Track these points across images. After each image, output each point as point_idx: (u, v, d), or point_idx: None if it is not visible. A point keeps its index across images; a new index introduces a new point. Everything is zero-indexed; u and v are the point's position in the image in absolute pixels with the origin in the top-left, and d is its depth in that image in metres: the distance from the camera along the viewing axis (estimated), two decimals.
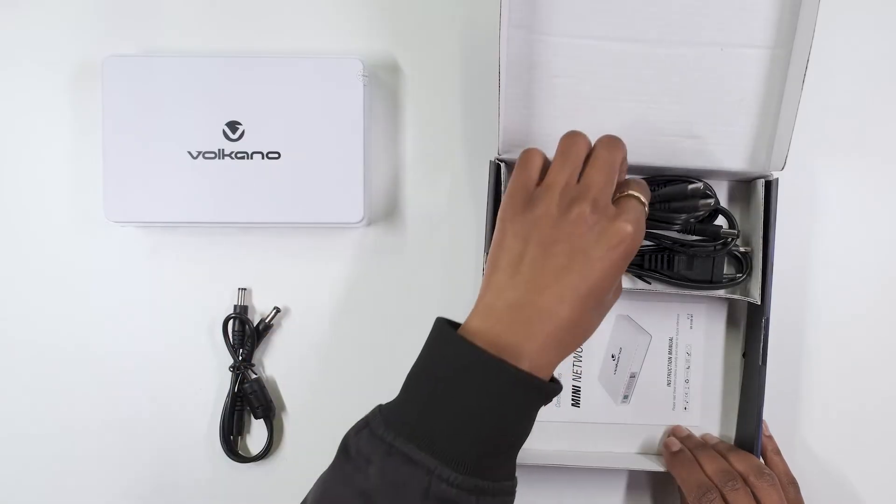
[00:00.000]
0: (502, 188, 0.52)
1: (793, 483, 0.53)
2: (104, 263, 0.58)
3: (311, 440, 0.59)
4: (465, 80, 0.58)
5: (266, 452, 0.58)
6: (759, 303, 0.53)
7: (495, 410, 0.35)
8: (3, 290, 0.59)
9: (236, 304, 0.58)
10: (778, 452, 0.55)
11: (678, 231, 0.54)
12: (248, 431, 0.59)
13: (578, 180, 0.40)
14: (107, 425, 0.59)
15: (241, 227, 0.58)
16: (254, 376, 0.58)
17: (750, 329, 0.56)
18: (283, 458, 0.59)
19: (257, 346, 0.58)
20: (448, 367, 0.36)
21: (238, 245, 0.58)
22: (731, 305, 0.57)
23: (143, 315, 0.58)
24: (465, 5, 0.58)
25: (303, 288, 0.58)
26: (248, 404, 0.57)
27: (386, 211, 0.59)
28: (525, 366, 0.36)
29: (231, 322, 0.57)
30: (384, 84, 0.59)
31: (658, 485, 0.58)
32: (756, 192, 0.54)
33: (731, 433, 0.57)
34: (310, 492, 0.38)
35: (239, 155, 0.54)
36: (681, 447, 0.54)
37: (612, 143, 0.41)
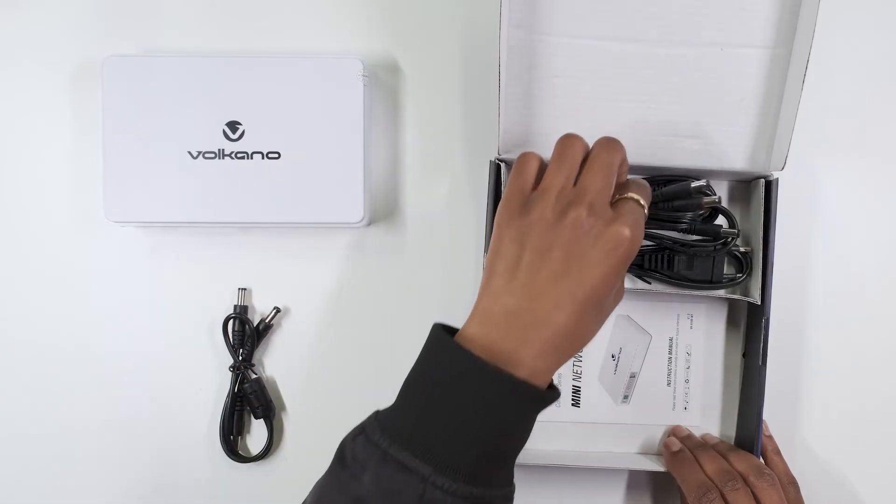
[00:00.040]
0: (502, 188, 0.52)
1: (793, 483, 0.53)
2: (104, 263, 0.58)
3: (311, 440, 0.59)
4: (465, 80, 0.58)
5: (266, 452, 0.58)
6: (759, 303, 0.53)
7: (491, 418, 0.35)
8: (3, 290, 0.59)
9: (236, 304, 0.58)
10: (778, 452, 0.55)
11: (684, 230, 0.54)
12: (248, 431, 0.59)
13: (576, 183, 0.39)
14: (107, 425, 0.59)
15: (241, 227, 0.58)
16: (254, 376, 0.58)
17: (750, 329, 0.56)
18: (283, 458, 0.59)
19: (257, 346, 0.58)
20: (443, 373, 0.36)
21: (238, 245, 0.58)
22: (731, 305, 0.57)
23: (143, 315, 0.58)
24: (465, 5, 0.58)
25: (303, 288, 0.58)
26: (248, 404, 0.57)
27: (386, 211, 0.59)
28: (522, 373, 0.36)
29: (231, 322, 0.57)
30: (384, 84, 0.59)
31: (658, 485, 0.58)
32: (756, 192, 0.54)
33: (731, 433, 0.57)
34: (307, 497, 0.38)
35: (239, 155, 0.54)
36: (681, 447, 0.54)
37: (610, 144, 0.41)
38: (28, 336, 0.59)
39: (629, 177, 0.43)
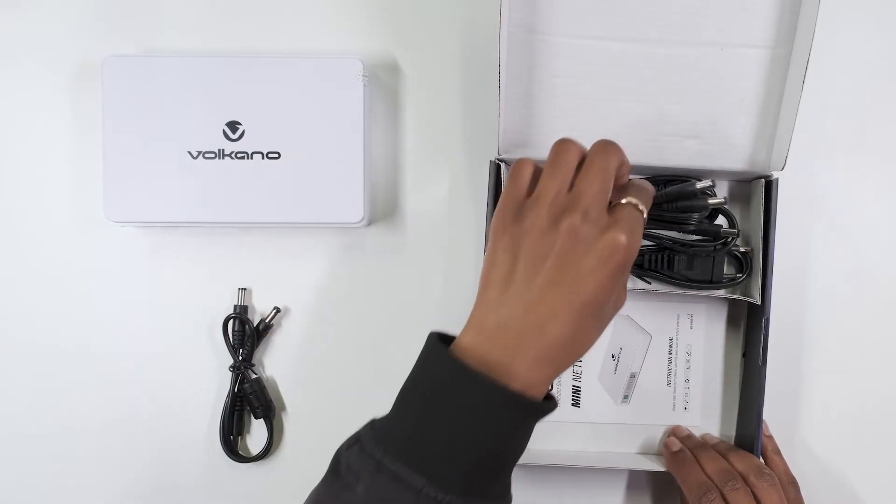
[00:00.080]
0: (502, 188, 0.52)
1: (793, 483, 0.53)
2: (104, 263, 0.58)
3: (311, 440, 0.59)
4: (465, 80, 0.58)
5: (266, 452, 0.58)
6: (759, 303, 0.53)
7: (485, 430, 0.35)
8: (3, 290, 0.59)
9: (236, 304, 0.58)
10: (778, 452, 0.55)
11: (691, 232, 0.54)
12: (248, 431, 0.59)
13: (572, 189, 0.38)
14: (107, 425, 0.59)
15: (241, 227, 0.58)
16: (254, 376, 0.58)
17: (750, 329, 0.56)
18: (283, 458, 0.59)
19: (257, 346, 0.58)
20: (437, 384, 0.36)
21: (238, 245, 0.58)
22: (731, 305, 0.57)
23: (143, 315, 0.58)
24: (465, 5, 0.58)
25: (303, 288, 0.58)
26: (248, 404, 0.57)
27: (386, 211, 0.59)
28: (517, 384, 0.35)
29: (231, 322, 0.57)
30: (384, 84, 0.59)
31: (658, 485, 0.58)
32: (756, 192, 0.54)
33: (731, 433, 0.57)
34: None
35: (239, 155, 0.54)
36: (681, 447, 0.54)
37: (606, 148, 0.39)
38: (28, 336, 0.59)
39: (632, 177, 0.42)
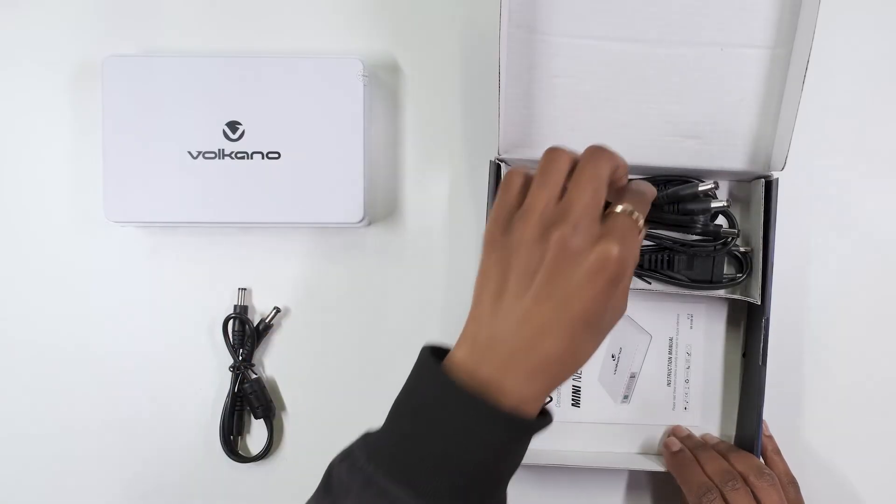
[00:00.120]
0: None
1: (793, 483, 0.53)
2: (104, 263, 0.58)
3: (311, 440, 0.59)
4: (465, 80, 0.58)
5: (266, 452, 0.58)
6: (759, 303, 0.53)
7: (474, 448, 0.34)
8: (3, 290, 0.59)
9: (236, 304, 0.58)
10: (778, 452, 0.55)
11: (697, 234, 0.53)
12: (248, 431, 0.59)
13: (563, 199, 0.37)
14: (107, 425, 0.59)
15: (241, 227, 0.58)
16: (254, 376, 0.58)
17: (750, 329, 0.56)
18: (283, 458, 0.59)
19: (257, 346, 0.58)
20: (428, 401, 0.35)
21: (238, 245, 0.58)
22: (731, 305, 0.57)
23: (143, 315, 0.58)
24: (465, 5, 0.58)
25: (303, 288, 0.58)
26: (248, 404, 0.57)
27: (386, 211, 0.59)
28: (508, 401, 0.35)
29: (231, 322, 0.57)
30: (384, 84, 0.59)
31: (658, 485, 0.58)
32: (756, 192, 0.54)
33: (731, 433, 0.57)
34: None
35: (239, 155, 0.54)
36: (681, 447, 0.54)
37: (597, 154, 0.37)
38: (28, 336, 0.59)
39: (632, 178, 0.41)
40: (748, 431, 0.54)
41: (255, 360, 0.58)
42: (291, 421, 0.59)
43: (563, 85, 0.53)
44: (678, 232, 0.54)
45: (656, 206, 0.40)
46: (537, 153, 0.53)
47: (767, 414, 0.53)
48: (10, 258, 0.59)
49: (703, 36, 0.52)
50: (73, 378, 0.58)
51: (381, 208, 0.59)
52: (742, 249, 0.55)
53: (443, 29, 0.58)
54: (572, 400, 0.58)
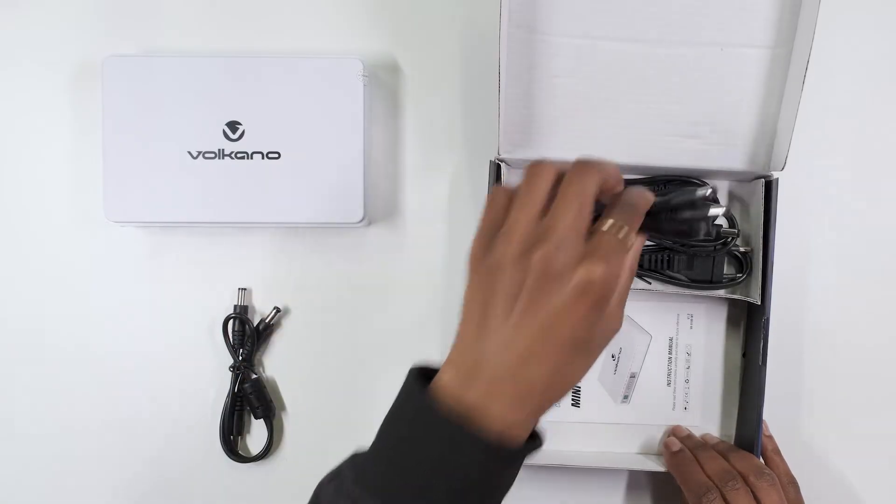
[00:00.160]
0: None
1: (793, 483, 0.53)
2: (104, 263, 0.58)
3: (311, 440, 0.59)
4: (465, 80, 0.58)
5: (266, 452, 0.58)
6: (759, 303, 0.53)
7: (458, 476, 0.34)
8: (3, 290, 0.59)
9: (236, 304, 0.58)
10: (778, 452, 0.55)
11: (702, 241, 0.53)
12: (248, 431, 0.59)
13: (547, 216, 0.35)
14: (107, 425, 0.59)
15: (241, 227, 0.58)
16: (254, 376, 0.58)
17: (750, 329, 0.56)
18: (283, 458, 0.59)
19: (257, 346, 0.58)
20: (412, 426, 0.35)
21: (238, 245, 0.58)
22: (731, 305, 0.57)
23: (143, 315, 0.58)
24: (465, 5, 0.58)
25: (303, 288, 0.58)
26: (248, 404, 0.57)
27: (386, 211, 0.59)
28: (495, 426, 0.33)
29: (231, 322, 0.57)
30: (384, 84, 0.59)
31: (658, 485, 0.58)
32: (756, 192, 0.54)
33: (731, 433, 0.57)
34: None
35: (239, 155, 0.54)
36: (681, 447, 0.54)
37: (583, 169, 0.35)
38: (28, 336, 0.59)
39: (632, 179, 0.39)
40: (748, 431, 0.54)
41: (255, 360, 0.58)
42: (291, 421, 0.59)
43: (563, 85, 0.53)
44: (677, 241, 0.53)
45: (653, 214, 0.38)
46: (537, 153, 0.54)
47: (767, 414, 0.53)
48: (10, 258, 0.59)
49: (703, 36, 0.52)
50: (73, 378, 0.58)
51: (381, 208, 0.59)
52: (742, 249, 0.55)
53: (443, 29, 0.58)
54: (572, 400, 0.58)
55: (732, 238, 0.54)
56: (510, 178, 0.56)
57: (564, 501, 0.58)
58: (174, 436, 0.59)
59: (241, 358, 0.57)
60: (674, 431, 0.57)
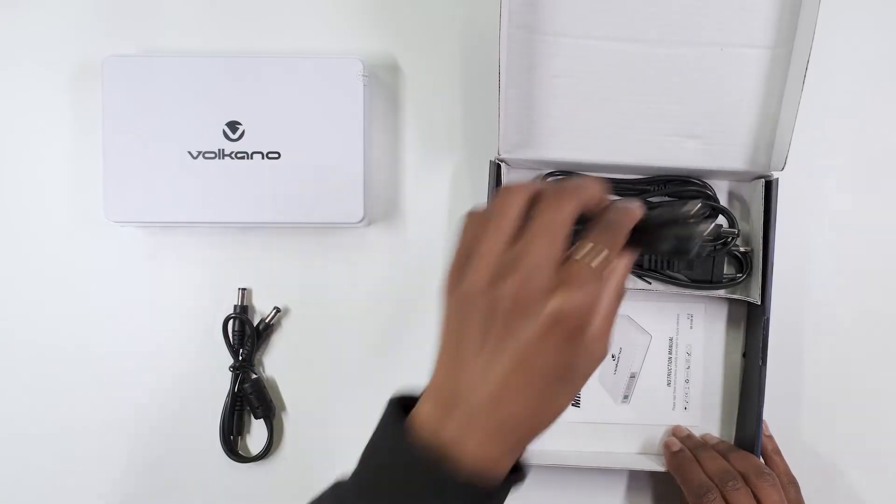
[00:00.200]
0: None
1: (793, 483, 0.53)
2: (104, 263, 0.58)
3: (311, 440, 0.58)
4: (465, 80, 0.58)
5: (266, 452, 0.58)
6: (759, 303, 0.53)
7: None
8: (3, 290, 0.59)
9: (236, 304, 0.58)
10: (778, 452, 0.55)
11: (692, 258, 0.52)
12: (248, 431, 0.59)
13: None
14: (107, 425, 0.59)
15: (241, 227, 0.58)
16: (254, 376, 0.58)
17: (750, 329, 0.56)
18: (283, 458, 0.59)
19: (257, 346, 0.58)
20: (389, 460, 0.34)
21: (238, 245, 0.58)
22: (731, 305, 0.57)
23: (143, 315, 0.58)
24: (465, 5, 0.58)
25: (303, 288, 0.58)
26: (248, 404, 0.57)
27: (386, 211, 0.59)
28: (472, 462, 0.32)
29: (231, 322, 0.57)
30: (384, 84, 0.59)
31: (658, 485, 0.58)
32: (756, 192, 0.54)
33: (731, 433, 0.57)
34: None
35: (239, 155, 0.54)
36: (681, 447, 0.54)
37: (557, 197, 0.33)
38: (28, 336, 0.59)
39: (629, 185, 0.37)
40: (748, 431, 0.54)
41: (255, 361, 0.58)
42: (291, 421, 0.59)
43: (563, 85, 0.53)
44: (671, 258, 0.52)
45: (640, 230, 0.35)
46: (537, 153, 0.54)
47: (767, 414, 0.53)
48: (10, 258, 0.59)
49: (703, 36, 0.52)
50: (73, 378, 0.58)
51: (381, 208, 0.59)
52: (742, 249, 0.55)
53: (443, 29, 0.58)
54: (572, 400, 0.57)
55: (732, 238, 0.54)
56: (510, 178, 0.56)
57: (564, 501, 0.58)
58: (174, 436, 0.59)
59: (241, 358, 0.57)
60: (674, 431, 0.57)
